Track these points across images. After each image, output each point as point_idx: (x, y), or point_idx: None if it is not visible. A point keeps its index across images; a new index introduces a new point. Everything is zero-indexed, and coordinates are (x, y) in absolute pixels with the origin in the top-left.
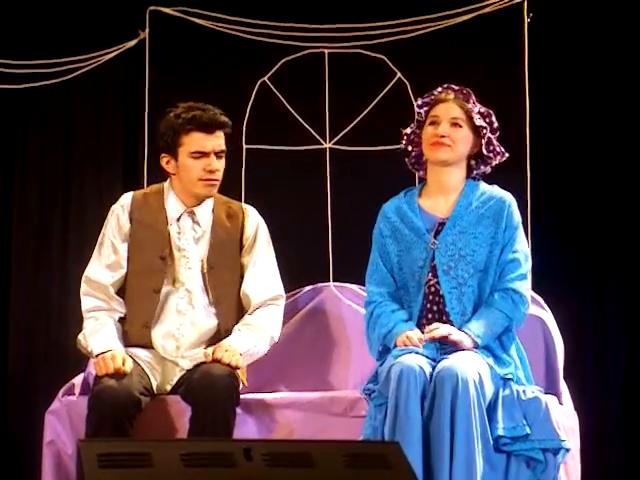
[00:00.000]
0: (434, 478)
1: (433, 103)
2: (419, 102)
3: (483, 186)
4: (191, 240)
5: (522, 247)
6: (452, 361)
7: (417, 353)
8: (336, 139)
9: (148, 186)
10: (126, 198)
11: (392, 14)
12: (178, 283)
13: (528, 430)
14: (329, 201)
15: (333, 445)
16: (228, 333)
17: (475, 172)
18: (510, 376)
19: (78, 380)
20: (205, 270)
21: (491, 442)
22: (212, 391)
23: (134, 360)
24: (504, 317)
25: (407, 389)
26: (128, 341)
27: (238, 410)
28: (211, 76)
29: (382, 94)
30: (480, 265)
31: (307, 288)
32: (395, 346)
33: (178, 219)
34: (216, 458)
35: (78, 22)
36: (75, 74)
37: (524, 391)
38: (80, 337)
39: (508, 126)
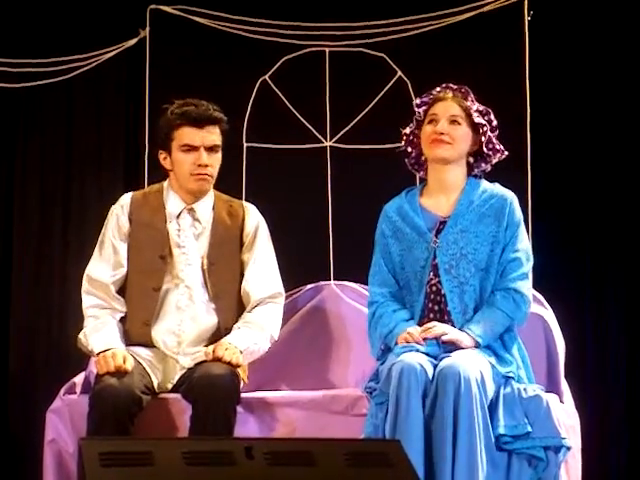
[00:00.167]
0: (436, 476)
1: (432, 102)
2: (417, 101)
3: (484, 184)
4: (191, 237)
5: (523, 246)
6: (454, 359)
7: (418, 351)
8: (337, 137)
9: (149, 185)
10: (125, 198)
11: (393, 13)
12: (178, 280)
13: (529, 428)
14: (330, 199)
15: (334, 443)
16: (228, 331)
17: (475, 170)
18: (511, 374)
19: (79, 379)
20: (205, 267)
21: (493, 440)
22: (213, 390)
23: (135, 358)
24: (505, 317)
25: (408, 387)
26: (129, 340)
27: (239, 409)
28: (212, 74)
29: (383, 92)
30: (481, 264)
31: (308, 286)
32: (396, 344)
33: (178, 216)
34: (217, 457)
35: (78, 21)
36: (76, 73)
37: (525, 389)
38: (81, 336)
39: (509, 125)
